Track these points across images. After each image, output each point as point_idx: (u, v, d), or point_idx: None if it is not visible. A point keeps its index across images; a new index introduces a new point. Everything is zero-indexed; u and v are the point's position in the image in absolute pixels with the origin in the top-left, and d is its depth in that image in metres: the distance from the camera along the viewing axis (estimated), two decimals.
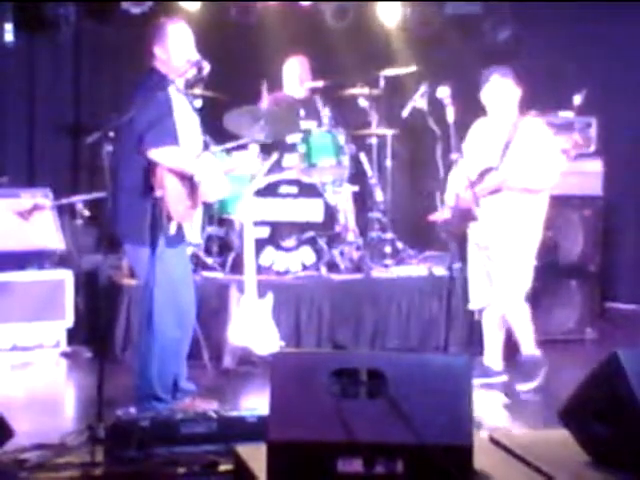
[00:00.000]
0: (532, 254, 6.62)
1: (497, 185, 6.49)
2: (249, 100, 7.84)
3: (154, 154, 5.29)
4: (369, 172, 8.47)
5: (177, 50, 5.50)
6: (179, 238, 5.45)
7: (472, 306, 6.90)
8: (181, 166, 5.35)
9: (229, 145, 6.31)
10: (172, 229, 5.35)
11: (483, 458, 3.75)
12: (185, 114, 5.51)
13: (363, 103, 8.39)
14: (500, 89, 6.62)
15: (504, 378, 6.72)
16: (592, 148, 7.97)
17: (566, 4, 8.40)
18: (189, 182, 5.42)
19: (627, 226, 8.98)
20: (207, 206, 5.63)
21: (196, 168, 5.43)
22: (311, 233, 7.61)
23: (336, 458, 3.57)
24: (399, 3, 9.13)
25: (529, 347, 6.65)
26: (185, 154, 5.41)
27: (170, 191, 5.31)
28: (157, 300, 5.42)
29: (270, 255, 7.56)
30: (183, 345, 5.69)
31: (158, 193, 5.23)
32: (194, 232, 5.59)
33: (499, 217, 6.53)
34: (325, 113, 8.07)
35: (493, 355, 6.80)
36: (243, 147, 7.40)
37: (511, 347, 6.78)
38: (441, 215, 6.70)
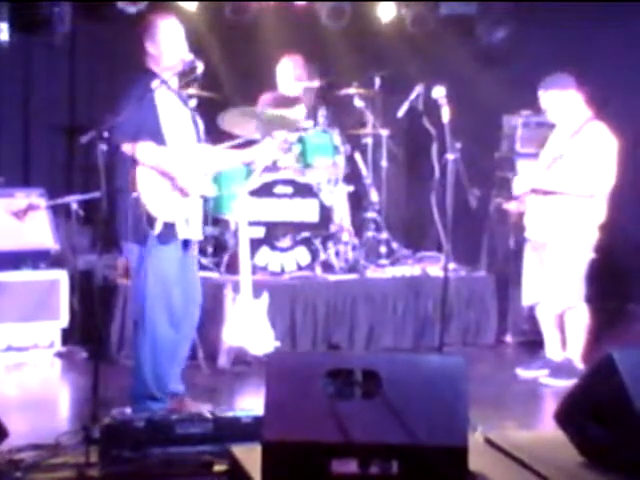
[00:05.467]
0: (587, 252, 6.70)
1: (546, 186, 6.67)
2: (244, 99, 7.83)
3: (126, 149, 5.27)
4: (364, 172, 8.47)
5: (168, 45, 5.47)
6: (170, 235, 5.41)
7: (525, 302, 7.00)
8: (153, 162, 5.32)
9: (227, 144, 6.30)
10: (157, 228, 5.34)
11: (478, 459, 3.75)
12: (174, 112, 5.48)
13: (358, 103, 8.39)
14: (545, 100, 6.81)
15: None
16: None
17: (562, 4, 8.40)
18: (172, 177, 5.40)
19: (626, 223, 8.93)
20: (204, 201, 5.59)
21: (170, 164, 5.38)
22: (306, 233, 7.61)
23: (331, 459, 3.57)
24: (394, 3, 9.14)
25: (574, 352, 6.73)
26: (158, 150, 5.35)
27: (149, 189, 5.31)
28: (148, 298, 5.44)
29: (265, 255, 7.56)
30: (179, 345, 5.66)
31: (134, 194, 5.23)
32: (192, 228, 5.53)
33: (555, 217, 6.68)
34: (320, 113, 8.07)
35: (554, 347, 6.89)
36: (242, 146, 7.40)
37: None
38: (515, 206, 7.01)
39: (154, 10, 8.03)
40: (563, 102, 6.73)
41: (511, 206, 7.06)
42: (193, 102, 6.00)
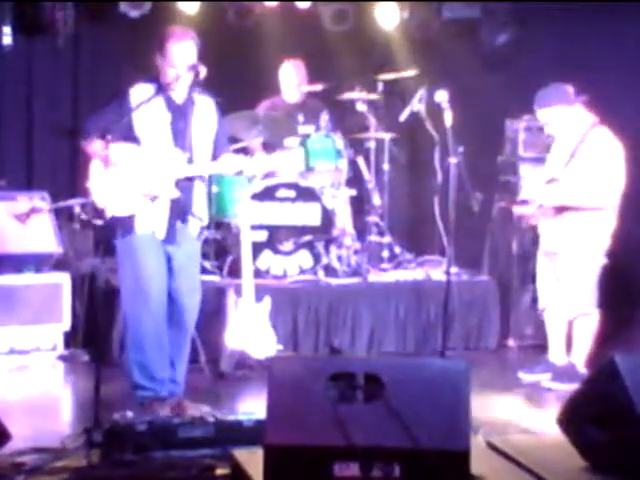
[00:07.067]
0: (599, 258, 6.66)
1: (557, 200, 6.60)
2: (246, 103, 7.84)
3: (84, 145, 5.56)
4: (367, 176, 8.47)
5: (176, 67, 5.53)
6: (128, 228, 5.58)
7: (541, 306, 6.95)
8: (106, 157, 5.43)
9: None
10: (105, 219, 5.52)
11: (480, 463, 3.75)
12: (152, 114, 5.55)
13: (361, 107, 8.39)
14: (541, 117, 6.75)
15: None
16: None
17: (565, 8, 8.39)
18: (131, 175, 5.53)
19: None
20: (176, 203, 5.62)
21: (127, 161, 5.52)
22: (309, 237, 7.61)
23: (333, 462, 3.58)
24: (397, 7, 9.13)
25: (578, 358, 6.71)
26: (115, 148, 5.44)
27: (98, 182, 5.48)
28: (124, 291, 5.72)
29: (268, 259, 7.56)
30: (162, 334, 5.70)
31: (87, 185, 5.46)
32: (156, 225, 5.60)
33: (567, 227, 6.62)
34: (323, 117, 8.06)
35: (558, 351, 6.86)
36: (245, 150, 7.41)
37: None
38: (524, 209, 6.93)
39: (159, 15, 8.10)
40: (558, 117, 6.65)
41: (528, 211, 6.94)
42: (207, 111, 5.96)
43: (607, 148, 6.54)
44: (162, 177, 5.57)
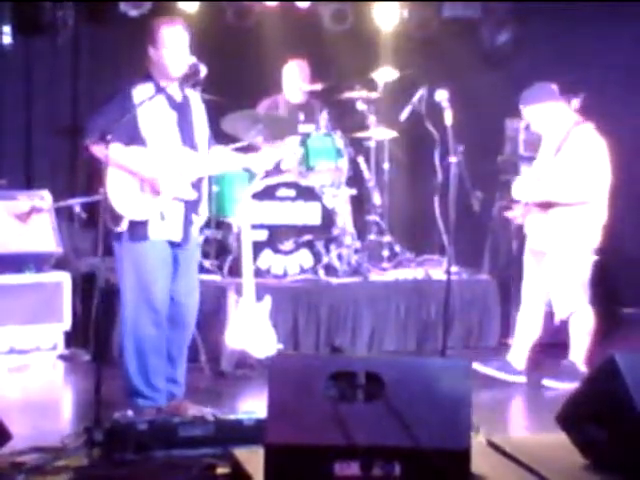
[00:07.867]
0: (589, 255, 6.64)
1: (541, 197, 6.60)
2: (246, 103, 7.83)
3: (93, 149, 5.40)
4: (367, 175, 8.47)
5: (169, 54, 5.46)
6: (141, 234, 5.46)
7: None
8: (116, 163, 5.33)
9: (229, 147, 6.31)
10: (123, 225, 5.42)
11: (481, 462, 3.76)
12: (157, 116, 5.47)
13: (361, 106, 8.39)
14: (527, 114, 6.74)
15: (522, 379, 6.74)
16: None
17: (565, 7, 8.40)
18: (141, 177, 5.44)
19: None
20: (189, 204, 5.58)
21: (139, 165, 5.41)
22: (309, 236, 7.62)
23: (333, 461, 3.58)
24: (397, 6, 9.14)
25: (577, 356, 6.69)
26: (126, 151, 5.38)
27: (115, 187, 5.34)
28: (127, 295, 5.55)
29: (268, 258, 7.56)
30: (170, 343, 5.66)
31: (100, 191, 5.26)
32: (171, 229, 5.52)
33: (555, 225, 6.60)
34: (323, 116, 8.06)
35: (519, 353, 6.84)
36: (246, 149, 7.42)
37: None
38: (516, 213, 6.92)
39: (159, 15, 8.08)
40: (544, 114, 6.64)
41: (516, 212, 6.93)
42: (200, 106, 5.96)
43: (590, 144, 6.53)
44: (180, 178, 5.50)
